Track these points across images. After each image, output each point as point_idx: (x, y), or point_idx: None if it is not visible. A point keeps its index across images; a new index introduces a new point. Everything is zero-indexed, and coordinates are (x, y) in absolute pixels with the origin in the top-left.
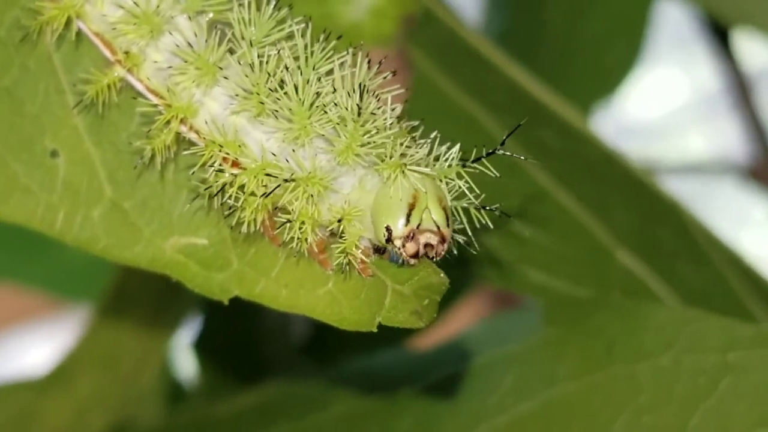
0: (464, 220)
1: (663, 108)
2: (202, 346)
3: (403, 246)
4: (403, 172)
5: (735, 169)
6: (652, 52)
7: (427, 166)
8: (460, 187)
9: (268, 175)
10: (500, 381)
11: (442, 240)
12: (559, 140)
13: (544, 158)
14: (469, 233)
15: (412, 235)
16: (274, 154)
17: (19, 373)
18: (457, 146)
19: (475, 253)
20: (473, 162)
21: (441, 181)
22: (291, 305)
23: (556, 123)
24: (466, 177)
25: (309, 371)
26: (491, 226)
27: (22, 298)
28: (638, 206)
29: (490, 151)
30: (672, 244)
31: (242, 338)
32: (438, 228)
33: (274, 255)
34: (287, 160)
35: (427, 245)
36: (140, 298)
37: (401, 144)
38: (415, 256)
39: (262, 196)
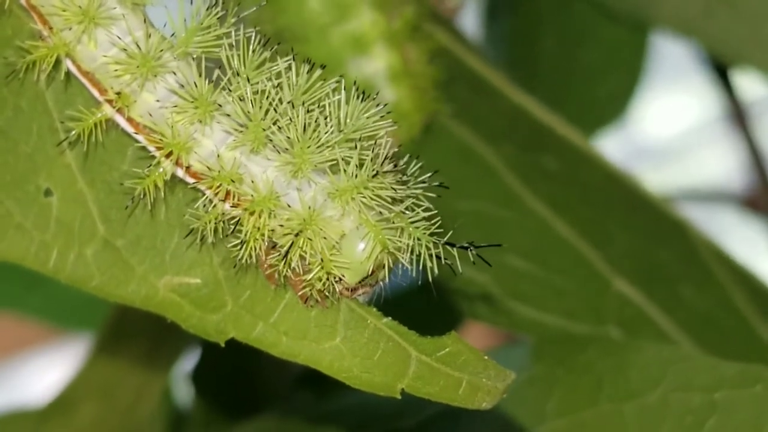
0: (456, 256)
1: (674, 129)
2: (199, 377)
3: (341, 291)
4: (386, 247)
5: (735, 197)
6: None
7: (409, 236)
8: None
9: (278, 225)
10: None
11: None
12: (560, 164)
13: (543, 184)
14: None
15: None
16: (277, 192)
17: (19, 402)
18: (438, 222)
19: (464, 289)
20: (446, 243)
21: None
22: (292, 354)
23: (558, 145)
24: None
25: (306, 403)
26: (487, 262)
27: (23, 328)
28: (641, 227)
29: (464, 245)
30: (675, 266)
31: (240, 369)
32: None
33: (272, 300)
34: (288, 204)
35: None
36: (140, 329)
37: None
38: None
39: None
